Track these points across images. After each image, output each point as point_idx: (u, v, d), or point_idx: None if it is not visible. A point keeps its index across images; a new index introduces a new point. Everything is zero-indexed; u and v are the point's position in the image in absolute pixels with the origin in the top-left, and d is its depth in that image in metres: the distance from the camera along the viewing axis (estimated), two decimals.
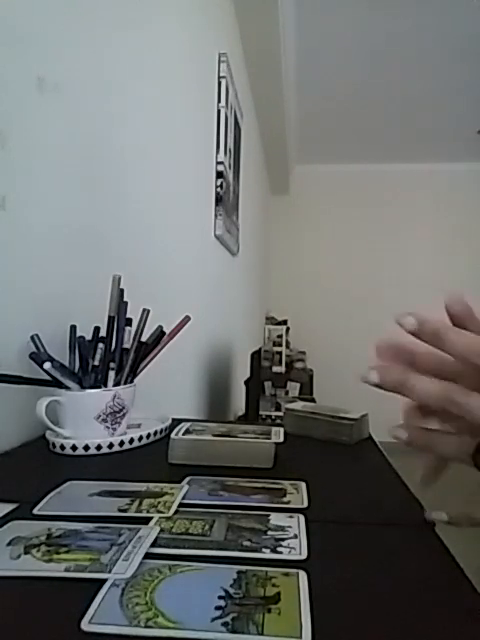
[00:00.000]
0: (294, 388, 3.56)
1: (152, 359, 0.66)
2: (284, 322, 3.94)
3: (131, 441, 0.58)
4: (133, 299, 0.65)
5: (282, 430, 0.59)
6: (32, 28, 0.62)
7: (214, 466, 0.50)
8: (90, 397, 0.58)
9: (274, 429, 0.59)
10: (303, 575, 0.29)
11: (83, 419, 0.57)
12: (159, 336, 0.66)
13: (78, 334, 0.62)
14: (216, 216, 1.76)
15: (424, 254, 4.45)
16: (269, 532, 0.35)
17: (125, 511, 0.38)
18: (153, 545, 0.32)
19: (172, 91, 1.22)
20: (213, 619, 0.25)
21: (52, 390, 0.57)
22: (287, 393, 3.51)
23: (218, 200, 1.77)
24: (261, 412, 2.74)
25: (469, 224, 4.40)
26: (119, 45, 0.89)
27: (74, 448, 0.55)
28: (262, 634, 0.24)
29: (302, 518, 0.38)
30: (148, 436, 0.61)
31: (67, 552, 0.31)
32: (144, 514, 0.38)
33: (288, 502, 0.41)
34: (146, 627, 0.24)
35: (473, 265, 4.39)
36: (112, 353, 0.62)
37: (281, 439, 0.55)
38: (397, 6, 2.29)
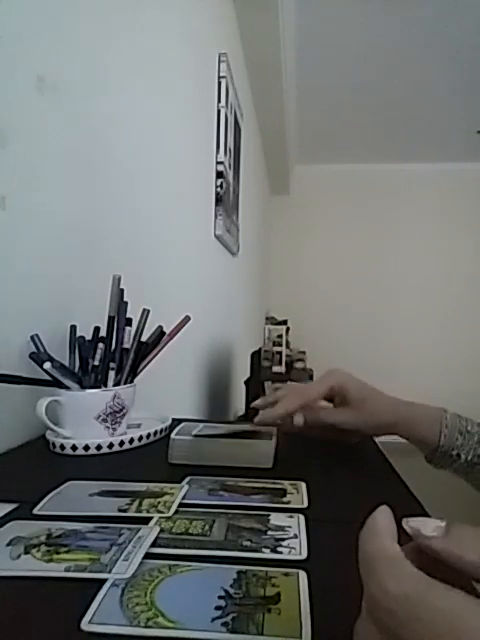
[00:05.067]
0: None
1: (152, 359, 0.66)
2: (284, 322, 3.93)
3: (131, 441, 0.58)
4: (133, 299, 0.65)
5: None
6: (32, 28, 0.62)
7: (214, 466, 0.50)
8: (90, 397, 0.58)
9: (274, 429, 0.59)
10: (303, 575, 0.29)
11: (83, 419, 0.57)
12: (159, 336, 0.66)
13: (78, 334, 0.62)
14: (216, 216, 1.76)
15: (424, 254, 4.45)
16: (269, 532, 0.35)
17: (125, 511, 0.38)
18: (153, 545, 0.32)
19: (172, 91, 1.22)
20: (213, 619, 0.25)
21: (52, 390, 0.57)
22: None
23: (218, 200, 1.77)
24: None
25: (469, 224, 4.40)
26: (119, 45, 0.89)
27: (74, 448, 0.55)
28: (262, 634, 0.24)
29: (302, 518, 0.38)
30: (148, 436, 0.61)
31: (67, 552, 0.31)
32: (144, 514, 0.38)
33: (288, 502, 0.41)
34: (146, 627, 0.24)
35: (474, 265, 4.39)
36: (112, 353, 0.62)
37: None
38: (397, 6, 2.29)
